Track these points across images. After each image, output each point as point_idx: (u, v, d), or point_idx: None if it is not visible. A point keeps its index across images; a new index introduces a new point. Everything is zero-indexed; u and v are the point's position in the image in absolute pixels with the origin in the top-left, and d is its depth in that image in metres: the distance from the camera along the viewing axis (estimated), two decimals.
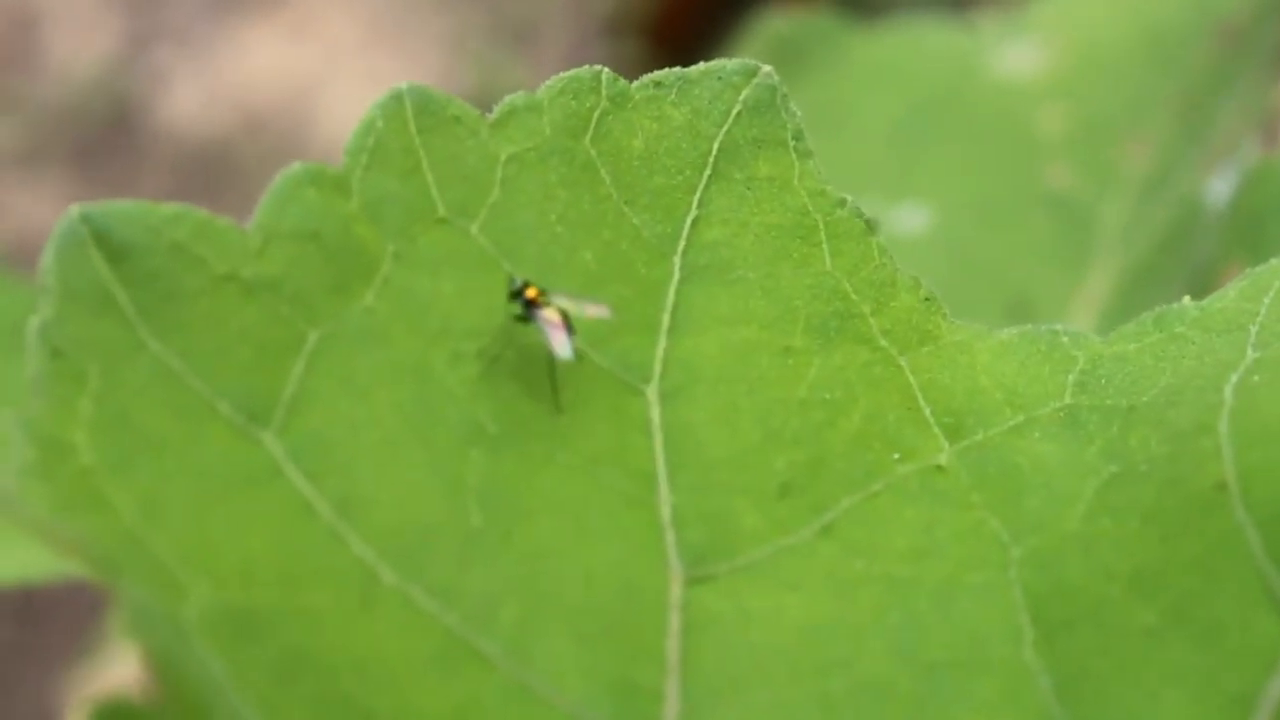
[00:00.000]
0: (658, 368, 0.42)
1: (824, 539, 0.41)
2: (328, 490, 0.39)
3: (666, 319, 0.43)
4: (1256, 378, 0.42)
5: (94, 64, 2.20)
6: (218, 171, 2.06)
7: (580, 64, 0.44)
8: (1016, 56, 0.74)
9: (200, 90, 2.16)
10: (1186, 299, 0.45)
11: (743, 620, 0.40)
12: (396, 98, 0.42)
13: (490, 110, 0.43)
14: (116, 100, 2.18)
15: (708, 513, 0.41)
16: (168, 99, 2.16)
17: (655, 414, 0.42)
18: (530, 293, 0.42)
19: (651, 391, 0.42)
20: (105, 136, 2.16)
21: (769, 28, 0.77)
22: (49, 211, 2.11)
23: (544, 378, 0.42)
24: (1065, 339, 0.44)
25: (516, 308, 0.42)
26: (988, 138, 0.73)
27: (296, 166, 0.41)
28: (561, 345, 0.41)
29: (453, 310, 0.41)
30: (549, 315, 0.42)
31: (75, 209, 0.40)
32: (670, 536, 0.41)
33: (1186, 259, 0.64)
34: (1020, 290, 0.67)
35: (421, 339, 0.41)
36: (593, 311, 0.42)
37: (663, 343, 0.43)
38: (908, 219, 0.69)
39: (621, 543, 0.40)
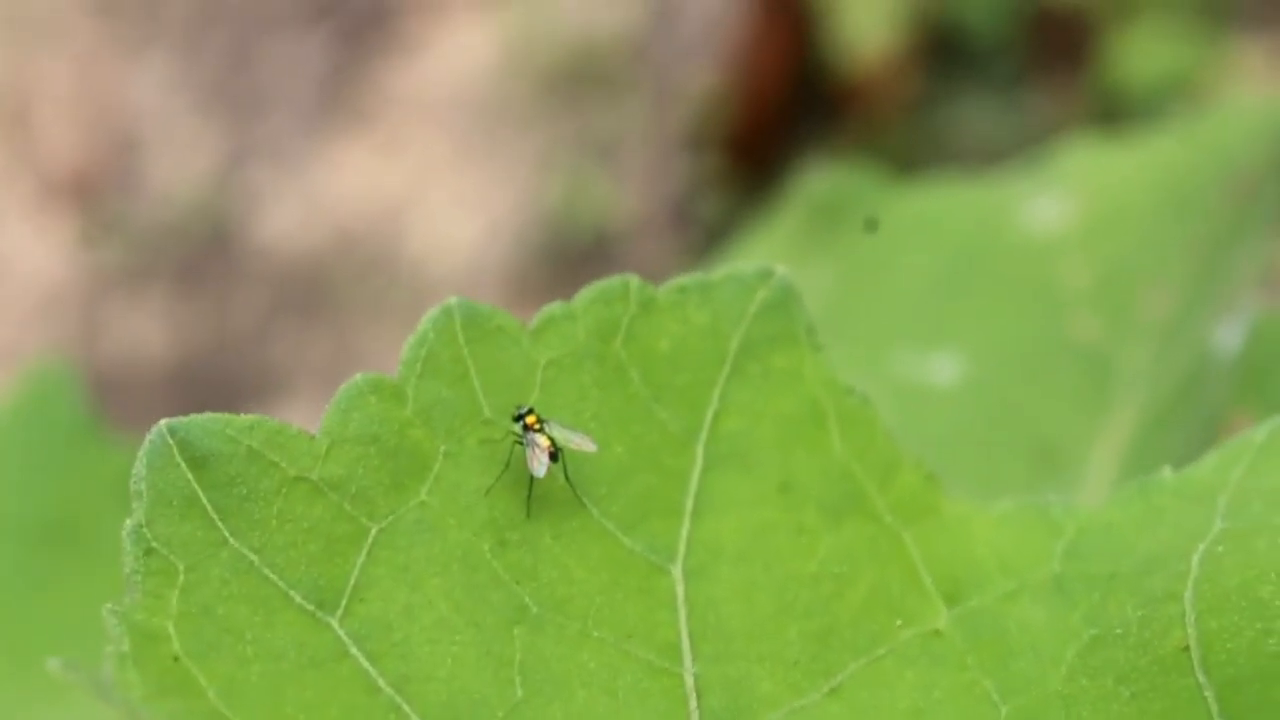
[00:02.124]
0: (682, 548, 0.47)
1: (832, 699, 0.46)
2: (388, 669, 0.44)
3: (690, 503, 0.48)
4: (1220, 548, 0.46)
5: (193, 184, 2.28)
6: (312, 287, 2.12)
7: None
8: (1042, 210, 0.79)
9: (294, 208, 2.23)
10: (1166, 469, 0.49)
11: None
12: (446, 312, 0.48)
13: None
14: (214, 219, 2.25)
15: (728, 680, 0.46)
16: (263, 217, 2.23)
17: (680, 590, 0.47)
18: (530, 420, 0.47)
19: (677, 570, 0.47)
20: (204, 255, 2.23)
21: (810, 188, 0.82)
22: (152, 329, 2.18)
23: (525, 489, 0.47)
24: (1055, 510, 0.49)
25: (517, 430, 0.47)
26: (1015, 289, 0.78)
27: (358, 378, 0.47)
28: (537, 466, 0.47)
29: (497, 501, 0.47)
30: (538, 439, 0.47)
31: (163, 423, 0.46)
32: (694, 703, 0.46)
33: (1201, 405, 0.68)
34: (1045, 436, 0.71)
35: (469, 529, 0.46)
36: (578, 443, 0.48)
37: (687, 525, 0.48)
38: (939, 369, 0.74)
39: (649, 709, 0.45)
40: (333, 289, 2.11)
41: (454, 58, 2.28)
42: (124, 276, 2.22)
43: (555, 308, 0.49)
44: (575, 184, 2.09)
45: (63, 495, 0.86)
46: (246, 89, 2.33)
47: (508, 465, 0.47)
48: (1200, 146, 0.80)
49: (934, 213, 0.81)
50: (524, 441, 0.47)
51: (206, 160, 2.29)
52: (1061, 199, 0.79)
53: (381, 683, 0.44)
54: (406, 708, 0.44)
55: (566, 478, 0.47)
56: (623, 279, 0.49)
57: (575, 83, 2.18)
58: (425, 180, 2.21)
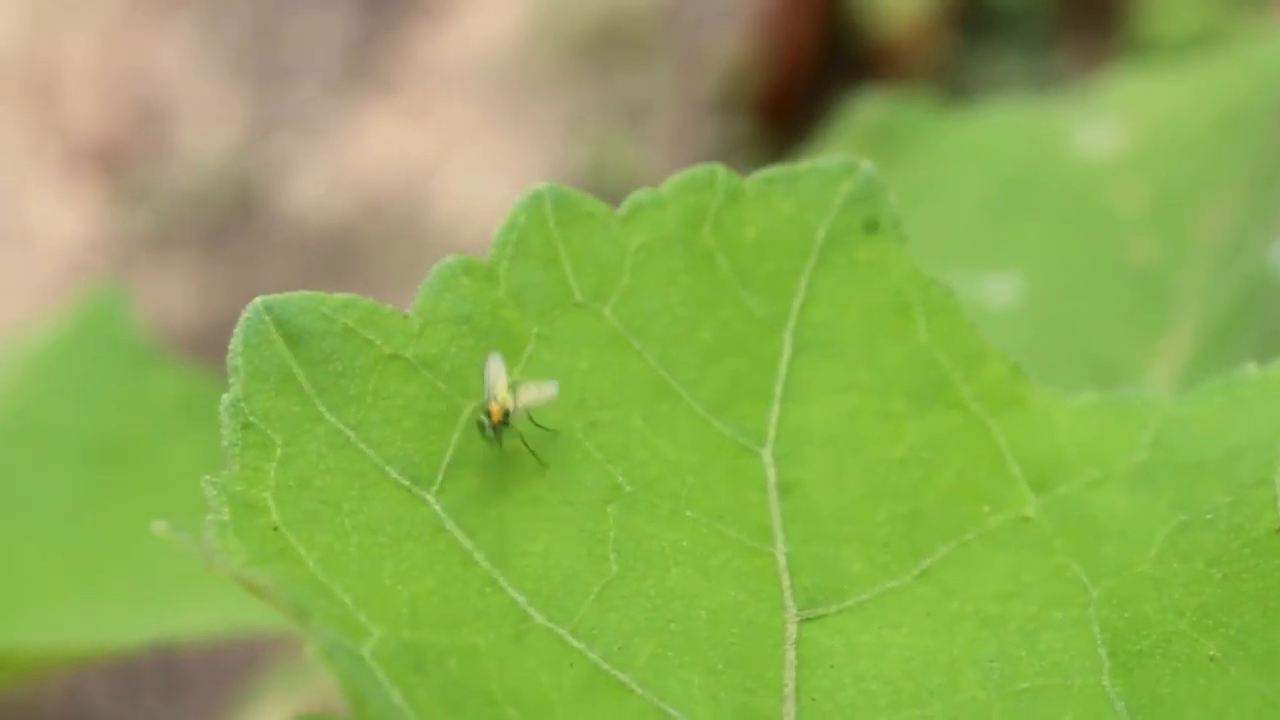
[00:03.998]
0: (772, 432, 0.48)
1: (922, 582, 0.46)
2: (484, 543, 0.45)
3: (779, 389, 0.48)
4: None
5: (220, 152, 2.28)
6: (339, 253, 2.13)
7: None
8: (1095, 136, 0.79)
9: (321, 175, 2.23)
10: (1251, 365, 0.50)
11: (851, 654, 0.45)
12: (537, 197, 0.48)
13: (618, 204, 0.49)
14: (242, 186, 2.25)
15: (818, 560, 0.46)
16: (290, 184, 2.23)
17: (770, 474, 0.47)
18: (494, 409, 0.46)
19: (767, 453, 0.48)
20: (232, 221, 2.24)
21: (863, 114, 0.83)
22: (179, 294, 2.19)
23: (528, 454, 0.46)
24: (1140, 403, 0.50)
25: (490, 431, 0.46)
26: (1070, 212, 0.78)
27: (451, 259, 0.47)
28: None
29: (589, 382, 0.47)
30: (507, 400, 0.46)
31: (259, 300, 0.46)
32: (785, 581, 0.46)
33: (1258, 323, 0.68)
34: (1103, 355, 0.71)
35: (562, 409, 0.47)
36: (536, 395, 0.46)
37: (776, 410, 0.48)
38: (996, 290, 0.74)
39: (742, 587, 0.45)
40: (360, 255, 2.12)
41: (481, 24, 2.28)
42: (152, 243, 2.23)
43: (643, 194, 0.49)
44: (604, 149, 2.10)
45: (119, 415, 0.87)
46: (273, 57, 2.33)
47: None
48: (1249, 73, 0.80)
49: (986, 139, 0.81)
50: (501, 430, 0.46)
51: (234, 128, 2.30)
52: (1114, 124, 0.79)
53: (478, 556, 0.44)
54: (502, 580, 0.44)
55: (524, 442, 0.46)
56: (710, 168, 0.49)
57: (603, 48, 2.18)
58: (453, 146, 2.21)
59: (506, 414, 0.45)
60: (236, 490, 0.44)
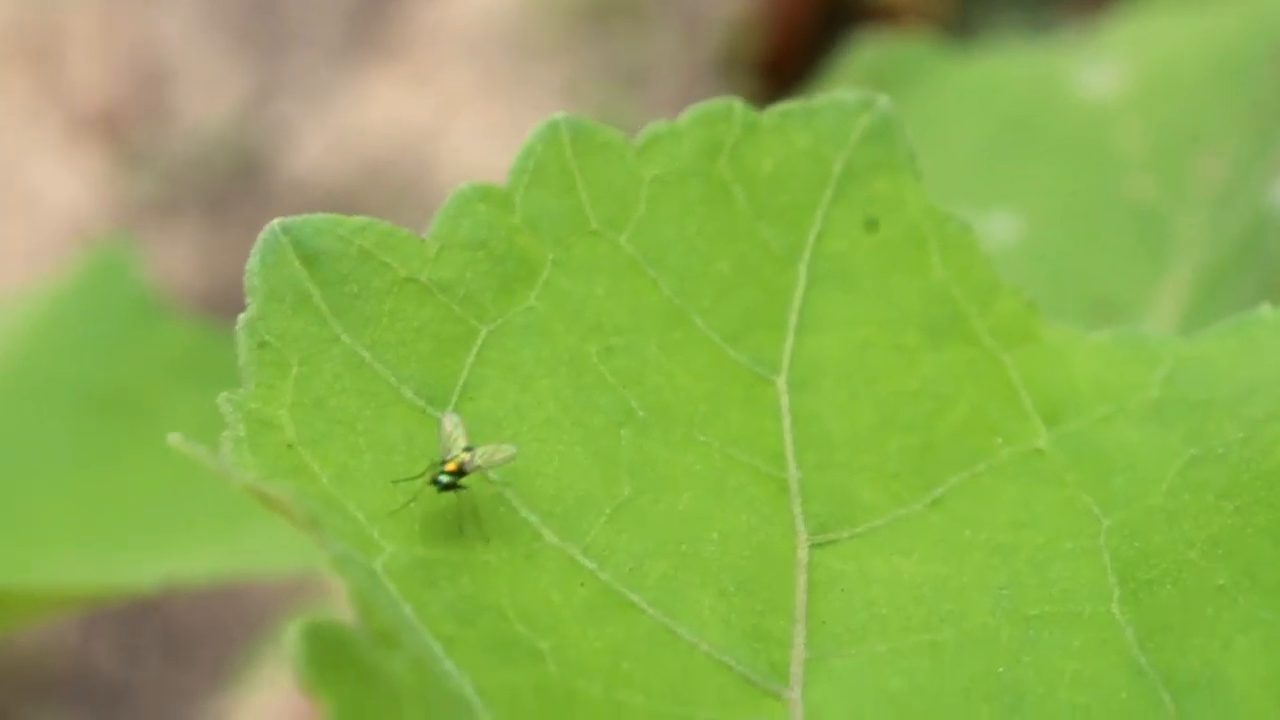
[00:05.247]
0: (786, 361, 0.48)
1: (934, 510, 0.46)
2: (496, 465, 0.45)
3: (794, 319, 0.48)
4: None
5: (222, 117, 2.28)
6: None
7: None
8: (1096, 77, 0.79)
9: (324, 140, 2.23)
10: (1266, 305, 0.50)
11: (862, 579, 0.45)
12: (553, 126, 0.48)
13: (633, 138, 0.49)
14: (244, 152, 2.25)
15: (830, 487, 0.46)
16: (293, 149, 2.23)
17: (784, 401, 0.47)
18: (450, 467, 0.44)
19: (781, 382, 0.48)
20: (234, 187, 2.24)
21: (863, 56, 0.83)
22: (181, 259, 2.19)
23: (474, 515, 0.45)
24: (1152, 341, 0.50)
25: (447, 488, 0.44)
26: (1071, 153, 0.78)
27: (466, 185, 0.47)
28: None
29: (604, 309, 0.47)
30: (464, 461, 0.44)
31: (276, 222, 0.46)
32: (797, 507, 0.46)
33: (1257, 264, 0.69)
34: (1104, 294, 0.72)
35: (577, 334, 0.47)
36: (498, 457, 0.45)
37: (790, 340, 0.48)
38: (997, 228, 0.74)
39: (754, 511, 0.46)
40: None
41: None
42: (155, 210, 2.23)
43: (660, 126, 0.49)
44: (604, 113, 2.09)
45: (123, 368, 0.87)
46: (275, 22, 2.33)
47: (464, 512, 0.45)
48: (1250, 17, 0.80)
49: (988, 79, 0.82)
50: (456, 484, 0.45)
51: (235, 94, 2.29)
52: (1115, 66, 0.79)
53: (491, 475, 0.45)
54: (515, 501, 0.45)
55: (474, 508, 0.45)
56: (726, 101, 0.50)
57: (603, 12, 2.18)
58: (454, 111, 2.21)
59: (462, 470, 0.44)
60: (252, 408, 0.44)
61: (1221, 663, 0.43)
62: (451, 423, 0.45)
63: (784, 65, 1.87)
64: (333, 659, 0.37)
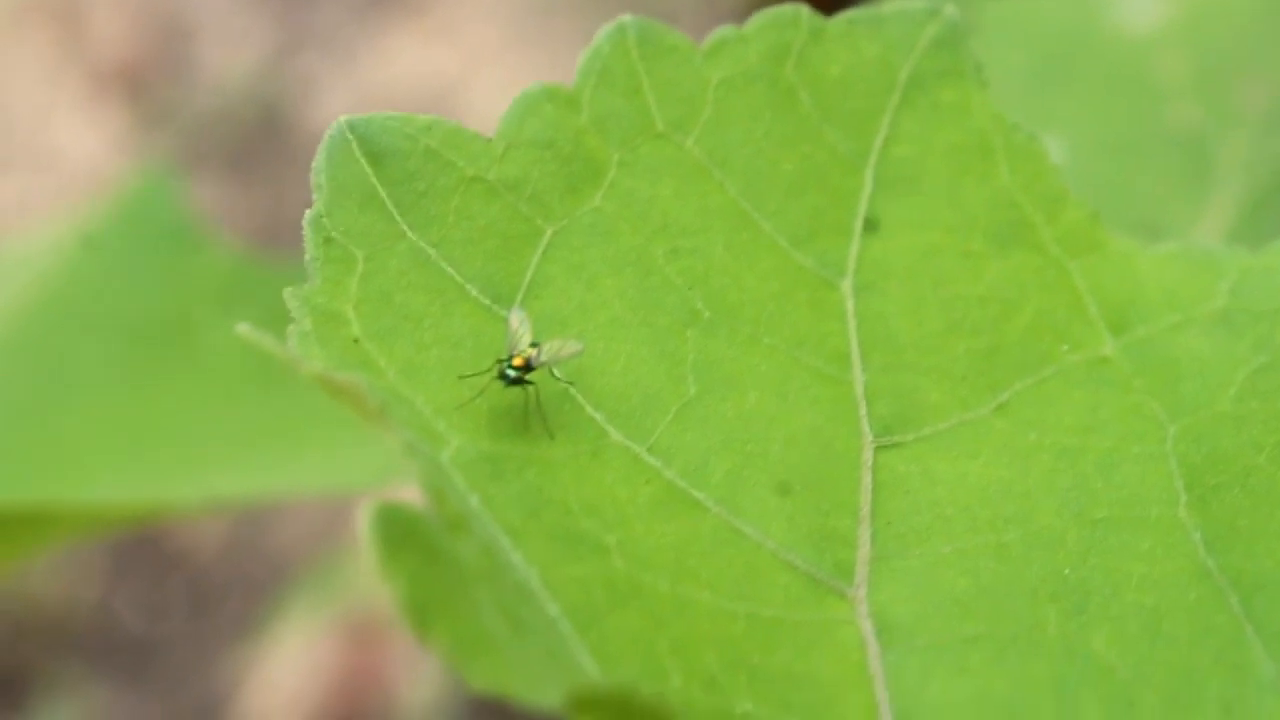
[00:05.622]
0: (852, 264, 0.48)
1: (1000, 415, 0.46)
2: (563, 361, 0.45)
3: (859, 224, 0.48)
4: None
5: (244, 72, 2.27)
6: None
7: None
8: (1137, 6, 0.79)
9: (346, 95, 2.23)
10: None
11: (927, 481, 0.45)
12: (620, 28, 0.48)
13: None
14: (267, 106, 2.25)
15: (896, 389, 0.46)
16: (316, 105, 2.23)
17: (849, 305, 0.47)
18: (516, 361, 0.44)
19: (846, 285, 0.48)
20: (257, 141, 2.23)
21: None
22: (205, 213, 2.18)
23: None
24: (1218, 253, 0.50)
25: (514, 382, 0.44)
26: (1112, 81, 0.78)
27: (534, 86, 0.47)
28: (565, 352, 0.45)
29: (670, 210, 0.47)
30: (531, 356, 0.45)
31: (343, 119, 0.46)
32: (863, 408, 0.46)
33: None
34: (1149, 219, 0.71)
35: (643, 235, 0.47)
36: (565, 352, 0.45)
37: (856, 244, 0.48)
38: None
39: (819, 412, 0.46)
40: None
41: None
42: (178, 163, 2.22)
43: (727, 30, 0.49)
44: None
45: (162, 295, 0.87)
46: None
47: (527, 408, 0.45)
48: None
49: (1027, 11, 0.81)
50: (525, 377, 0.45)
51: (258, 49, 2.29)
52: None
53: (556, 371, 0.45)
54: (580, 398, 0.44)
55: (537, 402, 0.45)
56: (794, 6, 0.49)
57: None
58: (477, 65, 2.20)
59: (529, 365, 0.44)
60: (319, 302, 0.44)
61: None
62: (518, 319, 0.45)
63: (812, 3, 1.87)
64: (403, 540, 0.37)
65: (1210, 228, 0.70)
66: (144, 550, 1.89)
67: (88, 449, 0.82)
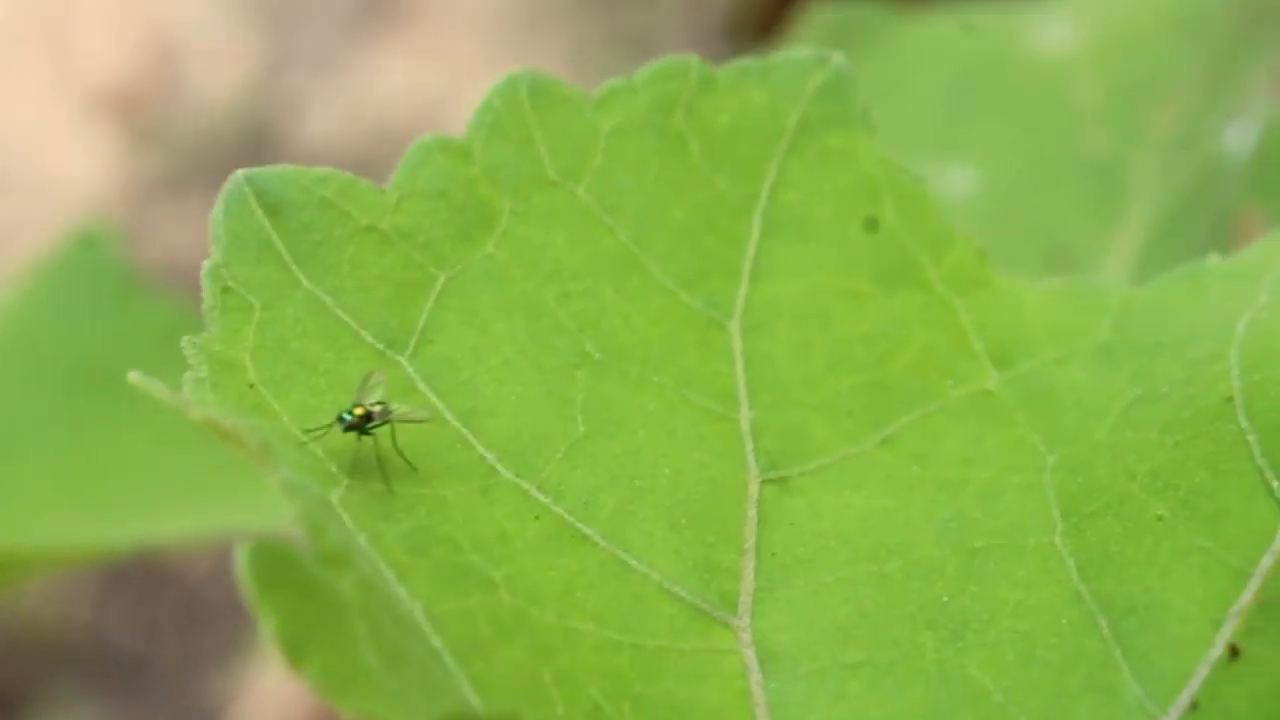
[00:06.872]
0: (740, 306, 0.49)
1: (884, 449, 0.48)
2: (454, 404, 0.46)
3: (748, 266, 0.50)
4: (1265, 314, 0.48)
5: (232, 91, 2.28)
6: None
7: None
8: (1052, 31, 0.80)
9: (335, 112, 2.24)
10: (1213, 255, 0.51)
11: (812, 513, 0.46)
12: (512, 81, 0.49)
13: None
14: (254, 125, 2.26)
15: (783, 426, 0.48)
16: (305, 122, 2.24)
17: (737, 345, 0.49)
18: (357, 411, 0.45)
19: (734, 326, 0.49)
20: (246, 160, 2.23)
21: (821, 17, 0.84)
22: (193, 234, 2.19)
23: (396, 459, 0.46)
24: (1103, 289, 0.51)
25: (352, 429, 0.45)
26: (1026, 105, 0.80)
27: (427, 137, 0.49)
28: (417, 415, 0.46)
29: (562, 256, 0.48)
30: (384, 412, 0.45)
31: (240, 173, 0.47)
32: (749, 445, 0.47)
33: (1210, 206, 0.70)
34: (1060, 243, 0.73)
35: (535, 280, 0.48)
36: (410, 416, 0.46)
37: (745, 286, 0.49)
38: (953, 180, 0.76)
39: (706, 449, 0.47)
40: None
41: None
42: (168, 185, 2.23)
43: (617, 81, 0.50)
44: (611, 78, 2.09)
45: (103, 343, 0.89)
46: None
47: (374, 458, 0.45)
48: None
49: (945, 36, 0.83)
50: (367, 429, 0.45)
51: (247, 68, 2.30)
52: (1070, 21, 0.81)
53: (449, 415, 0.46)
54: (472, 439, 0.46)
55: (394, 446, 0.45)
56: (682, 58, 0.51)
57: None
58: (462, 80, 2.21)
59: (369, 416, 0.45)
60: (215, 350, 0.45)
61: (1160, 589, 0.44)
62: (377, 378, 0.46)
63: (789, 28, 1.87)
64: (279, 576, 0.38)
65: (1122, 250, 0.71)
66: (136, 570, 1.90)
67: (34, 495, 0.83)
